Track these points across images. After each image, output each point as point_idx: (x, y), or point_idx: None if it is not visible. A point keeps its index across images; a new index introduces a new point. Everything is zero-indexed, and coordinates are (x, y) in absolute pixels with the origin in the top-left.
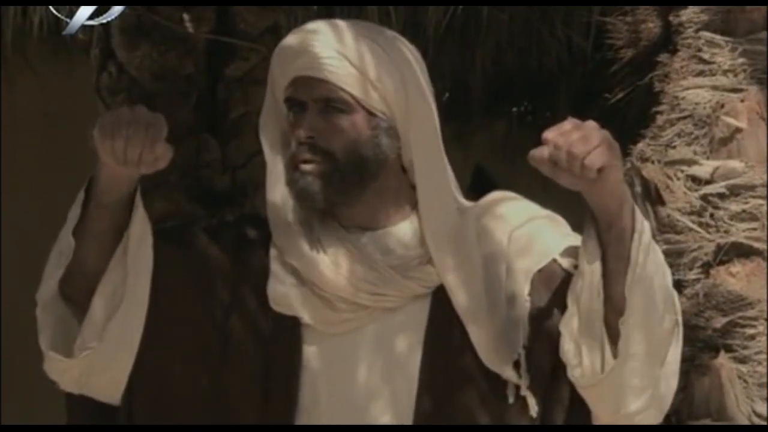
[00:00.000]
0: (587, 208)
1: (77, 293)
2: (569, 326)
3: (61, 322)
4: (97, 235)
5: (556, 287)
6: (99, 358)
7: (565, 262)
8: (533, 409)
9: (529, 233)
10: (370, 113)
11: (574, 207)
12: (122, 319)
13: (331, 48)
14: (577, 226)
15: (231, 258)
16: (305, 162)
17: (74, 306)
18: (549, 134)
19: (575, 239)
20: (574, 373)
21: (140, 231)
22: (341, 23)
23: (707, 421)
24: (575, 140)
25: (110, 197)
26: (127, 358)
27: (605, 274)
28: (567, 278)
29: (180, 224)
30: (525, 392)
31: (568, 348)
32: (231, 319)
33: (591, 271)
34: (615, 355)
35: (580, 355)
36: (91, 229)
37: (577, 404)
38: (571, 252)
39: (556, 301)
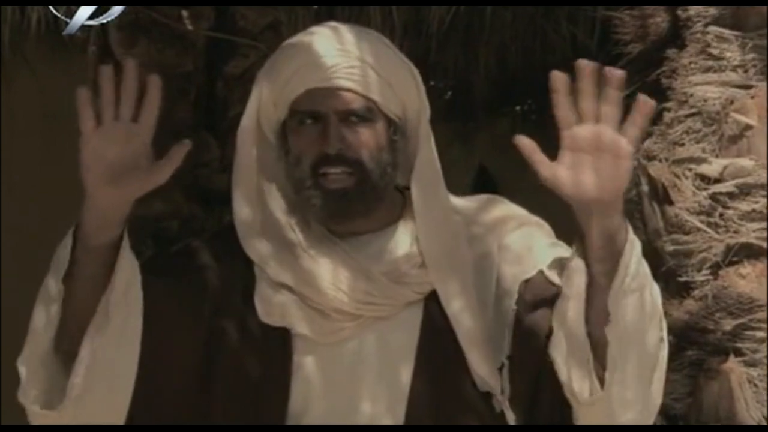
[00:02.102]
0: (578, 230)
1: (71, 343)
2: (559, 349)
3: (52, 378)
4: (87, 280)
5: (541, 300)
6: (89, 402)
7: (552, 275)
8: (511, 420)
9: (519, 241)
10: (389, 118)
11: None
12: (108, 360)
13: (351, 56)
14: (576, 228)
15: (217, 276)
16: (336, 176)
17: (66, 357)
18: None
19: (562, 250)
20: (569, 395)
21: (128, 276)
22: (347, 27)
23: None
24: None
25: (98, 240)
26: (122, 400)
27: (588, 291)
28: (553, 291)
29: (162, 252)
30: (504, 404)
31: (562, 371)
32: (221, 339)
33: (578, 295)
34: (600, 377)
35: (570, 377)
36: (80, 274)
37: (559, 414)
38: (558, 264)
39: (542, 313)
